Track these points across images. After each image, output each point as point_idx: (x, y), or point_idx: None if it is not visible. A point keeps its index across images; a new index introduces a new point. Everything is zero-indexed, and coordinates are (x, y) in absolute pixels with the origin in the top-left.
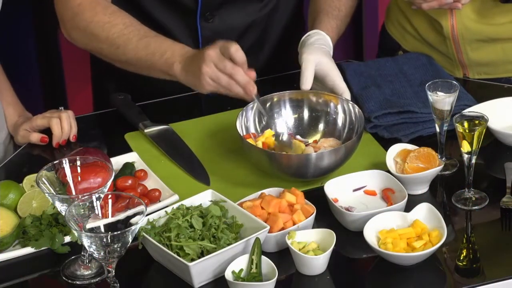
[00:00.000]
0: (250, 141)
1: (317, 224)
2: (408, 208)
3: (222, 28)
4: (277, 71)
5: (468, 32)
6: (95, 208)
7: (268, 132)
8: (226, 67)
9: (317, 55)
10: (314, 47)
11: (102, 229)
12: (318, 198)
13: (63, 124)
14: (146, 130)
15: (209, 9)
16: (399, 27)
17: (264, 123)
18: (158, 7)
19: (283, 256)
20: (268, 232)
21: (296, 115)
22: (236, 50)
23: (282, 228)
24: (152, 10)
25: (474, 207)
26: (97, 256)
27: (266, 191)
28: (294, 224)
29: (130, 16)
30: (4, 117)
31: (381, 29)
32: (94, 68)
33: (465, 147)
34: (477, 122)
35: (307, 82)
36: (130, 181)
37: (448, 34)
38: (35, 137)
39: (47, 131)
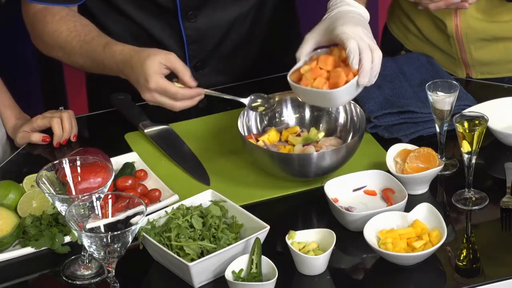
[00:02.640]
0: (252, 141)
1: (317, 224)
2: (408, 208)
3: (206, 27)
4: (268, 67)
5: (472, 31)
6: (95, 208)
7: (272, 131)
8: (165, 103)
9: (316, 35)
10: (321, 24)
11: (102, 229)
12: (318, 198)
13: (64, 124)
14: (146, 130)
15: (190, 8)
16: (402, 26)
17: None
18: (138, 10)
19: (283, 256)
20: (334, 88)
21: (298, 115)
22: (174, 62)
23: (346, 81)
24: (132, 14)
25: (474, 207)
26: (97, 256)
27: (314, 53)
28: (354, 76)
29: (77, 18)
30: (0, 118)
31: (383, 29)
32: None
33: (465, 147)
34: (477, 122)
35: (302, 54)
36: (130, 181)
37: (452, 33)
38: (36, 137)
39: (47, 131)
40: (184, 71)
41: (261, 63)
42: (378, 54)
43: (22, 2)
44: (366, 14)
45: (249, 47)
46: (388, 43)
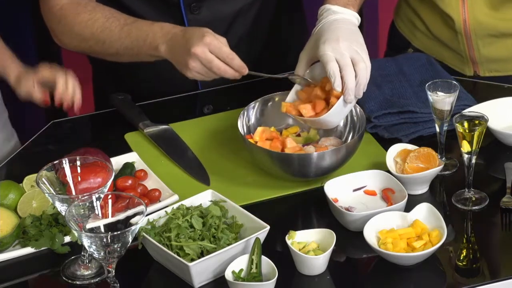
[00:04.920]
0: (251, 141)
1: (317, 224)
2: (408, 208)
3: (210, 19)
4: (272, 62)
5: (480, 26)
6: (95, 208)
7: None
8: (213, 61)
9: (307, 52)
10: (310, 40)
11: (102, 229)
12: (318, 198)
13: (68, 83)
14: (146, 130)
15: (193, 0)
16: (409, 23)
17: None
18: (140, 2)
19: (283, 256)
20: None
21: None
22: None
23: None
24: (134, 7)
25: (474, 207)
26: (97, 256)
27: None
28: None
29: (110, 8)
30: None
31: (390, 26)
32: (94, 69)
33: (465, 147)
34: (477, 122)
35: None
36: (130, 181)
37: (460, 29)
38: (38, 95)
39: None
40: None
41: (265, 57)
42: (362, 66)
43: None
44: (354, 18)
45: (253, 41)
46: (395, 41)
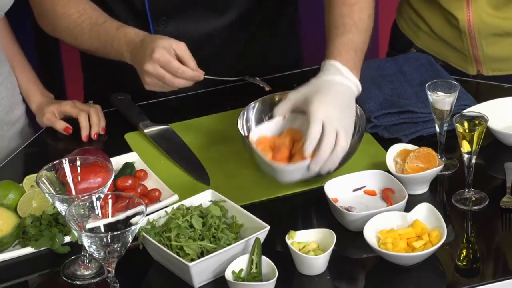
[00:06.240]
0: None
1: (317, 224)
2: (408, 208)
3: (177, 35)
4: (251, 66)
5: (484, 26)
6: (95, 208)
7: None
8: (165, 76)
9: (298, 97)
10: (306, 87)
11: (102, 229)
12: (318, 198)
13: (92, 118)
14: (146, 130)
15: (161, 14)
16: (411, 23)
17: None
18: (118, 4)
19: (283, 256)
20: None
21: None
22: (184, 51)
23: (291, 160)
24: (113, 7)
25: (474, 207)
26: (97, 256)
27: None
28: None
29: (86, 1)
30: (19, 95)
31: (392, 26)
32: (85, 71)
33: (465, 147)
34: (477, 122)
35: (278, 112)
36: (130, 181)
37: (464, 28)
38: (61, 125)
39: (72, 124)
40: (190, 61)
41: (244, 63)
42: (343, 145)
43: None
44: (356, 89)
45: (219, 64)
46: (398, 41)
